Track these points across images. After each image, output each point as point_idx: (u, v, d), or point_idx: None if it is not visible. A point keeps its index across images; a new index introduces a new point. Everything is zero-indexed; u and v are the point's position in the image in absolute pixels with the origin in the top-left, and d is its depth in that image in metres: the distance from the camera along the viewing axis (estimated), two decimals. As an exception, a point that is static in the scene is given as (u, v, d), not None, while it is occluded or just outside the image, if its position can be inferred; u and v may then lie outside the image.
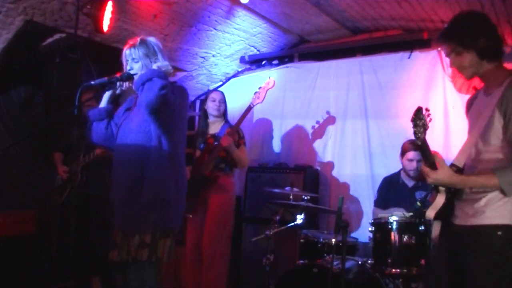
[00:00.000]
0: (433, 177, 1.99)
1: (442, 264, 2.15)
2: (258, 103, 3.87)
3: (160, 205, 2.39)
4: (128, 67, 2.48)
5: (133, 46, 2.46)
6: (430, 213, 2.13)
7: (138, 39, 2.49)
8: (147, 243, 2.34)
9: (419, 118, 1.91)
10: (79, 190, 3.64)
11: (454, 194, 2.09)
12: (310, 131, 4.82)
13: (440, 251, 2.20)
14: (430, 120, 1.94)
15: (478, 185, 1.98)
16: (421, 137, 1.94)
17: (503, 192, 1.91)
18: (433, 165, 2.00)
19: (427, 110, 1.93)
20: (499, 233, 1.93)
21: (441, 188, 2.10)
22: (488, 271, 1.93)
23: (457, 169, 2.08)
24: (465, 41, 1.99)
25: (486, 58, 2.00)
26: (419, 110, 1.92)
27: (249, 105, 3.83)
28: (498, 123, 1.95)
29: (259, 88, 3.91)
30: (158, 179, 2.40)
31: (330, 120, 4.67)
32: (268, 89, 3.87)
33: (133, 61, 2.45)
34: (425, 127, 1.92)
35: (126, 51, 2.48)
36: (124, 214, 2.41)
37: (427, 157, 2.00)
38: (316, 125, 4.74)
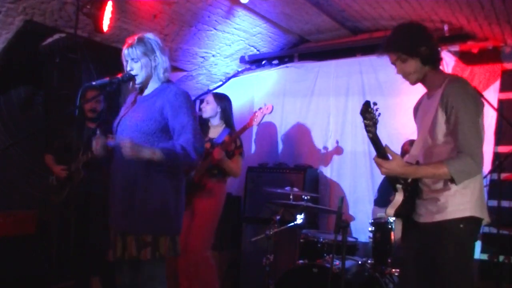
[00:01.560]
0: (386, 166, 2.08)
1: (411, 262, 2.24)
2: (254, 125, 3.85)
3: (158, 209, 2.37)
4: (128, 68, 2.47)
5: (131, 45, 2.44)
6: (390, 211, 2.23)
7: (136, 37, 2.47)
8: (148, 241, 2.35)
9: (368, 112, 1.98)
10: (80, 188, 3.62)
11: (411, 193, 2.20)
12: (310, 131, 4.82)
13: (408, 250, 2.29)
14: (379, 114, 2.01)
15: (429, 173, 2.10)
16: (372, 131, 2.01)
17: (453, 181, 2.02)
18: (384, 157, 2.10)
19: (375, 104, 2.00)
20: (461, 225, 2.07)
21: (399, 186, 2.20)
22: (455, 262, 2.07)
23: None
24: (409, 49, 2.18)
25: (428, 64, 2.19)
26: (367, 104, 1.98)
27: (245, 125, 3.79)
28: (441, 118, 2.11)
29: (259, 109, 3.87)
30: (156, 183, 2.38)
31: (336, 150, 4.66)
32: (265, 114, 3.86)
33: (132, 61, 2.44)
34: (374, 121, 2.00)
35: (124, 51, 2.46)
36: (121, 216, 2.40)
37: (379, 149, 2.10)
38: (323, 151, 4.71)
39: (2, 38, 3.46)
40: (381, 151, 2.09)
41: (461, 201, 2.08)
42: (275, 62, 5.12)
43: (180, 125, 2.40)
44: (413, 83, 2.27)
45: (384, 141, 4.67)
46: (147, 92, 2.53)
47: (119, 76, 2.45)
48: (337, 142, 4.65)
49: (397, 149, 3.90)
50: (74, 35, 3.61)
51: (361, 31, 4.67)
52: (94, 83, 2.44)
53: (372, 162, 4.39)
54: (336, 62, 4.76)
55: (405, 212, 2.21)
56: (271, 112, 3.87)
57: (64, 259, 3.67)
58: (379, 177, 4.14)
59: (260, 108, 3.85)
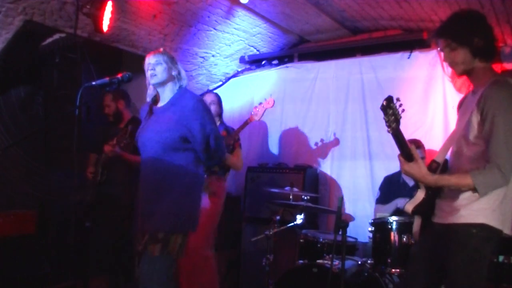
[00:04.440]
0: (405, 168, 2.04)
1: (420, 261, 2.20)
2: (256, 120, 3.88)
3: (179, 214, 2.48)
4: (150, 72, 2.57)
5: (159, 52, 2.59)
6: (409, 207, 2.20)
7: (161, 49, 2.65)
8: (160, 238, 2.43)
9: (390, 107, 1.91)
10: (100, 189, 3.71)
11: (434, 191, 2.14)
12: (310, 131, 4.82)
13: (420, 248, 2.26)
14: (403, 110, 1.95)
15: (451, 184, 2.03)
16: (393, 127, 1.94)
17: (476, 192, 1.95)
18: (409, 157, 2.03)
19: (398, 100, 1.94)
20: (474, 231, 1.98)
21: (421, 184, 2.15)
22: (465, 267, 1.99)
23: (437, 165, 2.15)
24: (460, 38, 2.05)
25: (479, 57, 2.05)
26: (389, 99, 1.92)
27: (246, 120, 3.83)
28: (475, 120, 2.01)
29: (259, 104, 3.90)
30: (180, 190, 2.49)
31: (334, 142, 4.66)
32: (267, 108, 3.89)
33: (157, 63, 2.55)
34: (396, 117, 1.93)
35: (150, 57, 2.60)
36: (147, 217, 2.50)
37: (403, 148, 2.03)
38: (320, 143, 4.73)
39: (2, 38, 3.46)
40: (405, 150, 2.03)
41: (478, 207, 1.99)
42: (275, 62, 5.13)
43: (207, 136, 2.53)
44: (459, 74, 2.15)
45: (383, 140, 4.70)
46: (162, 102, 2.63)
47: (119, 76, 2.50)
48: (337, 142, 4.65)
49: (397, 149, 3.90)
50: (74, 35, 3.61)
51: (361, 31, 4.67)
52: (94, 83, 2.46)
53: (372, 162, 4.41)
54: (336, 62, 4.76)
55: (424, 211, 2.16)
56: (272, 106, 3.90)
57: (64, 259, 3.67)
58: (379, 177, 4.14)
59: (260, 103, 3.87)
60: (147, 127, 2.60)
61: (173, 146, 2.48)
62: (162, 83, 2.59)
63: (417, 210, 2.18)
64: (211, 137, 2.55)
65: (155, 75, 2.55)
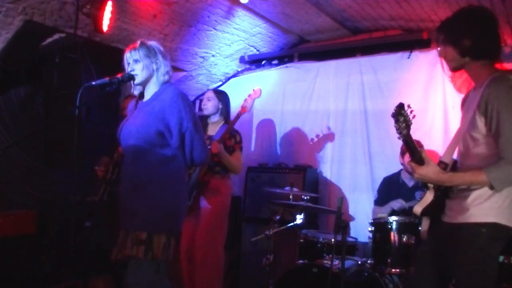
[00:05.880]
0: (419, 172, 2.01)
1: (426, 260, 2.19)
2: (245, 112, 3.86)
3: (159, 210, 2.41)
4: (129, 69, 2.52)
5: (134, 48, 2.51)
6: (417, 208, 2.17)
7: (138, 41, 2.54)
8: (143, 239, 2.37)
9: (401, 114, 1.92)
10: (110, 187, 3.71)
11: (443, 192, 2.12)
12: (309, 131, 4.82)
13: (427, 247, 2.24)
14: (414, 116, 1.95)
15: (465, 181, 2.00)
16: (403, 133, 1.95)
17: (492, 188, 1.93)
18: (420, 161, 2.02)
19: (409, 106, 1.94)
20: (484, 230, 1.96)
21: (430, 185, 2.13)
22: (469, 268, 1.97)
23: (445, 166, 2.13)
24: (450, 37, 2.07)
25: (469, 56, 2.06)
26: (400, 106, 1.93)
27: (238, 114, 3.80)
28: (479, 120, 1.99)
29: (248, 95, 3.90)
30: (157, 184, 2.43)
31: (329, 136, 4.67)
32: (255, 98, 3.90)
33: (134, 62, 2.50)
34: (407, 123, 1.93)
35: (127, 54, 2.53)
36: (127, 216, 2.45)
37: (413, 153, 2.02)
38: (315, 139, 4.74)
39: (2, 38, 3.46)
40: (416, 155, 2.02)
41: (487, 206, 1.97)
42: (275, 62, 5.13)
43: (182, 133, 2.46)
44: (451, 70, 2.18)
45: (383, 140, 4.70)
46: (147, 96, 2.58)
47: (119, 76, 2.48)
48: (337, 142, 4.65)
49: (397, 149, 3.90)
50: (74, 35, 3.61)
51: (361, 31, 4.67)
52: (94, 83, 2.45)
53: (372, 162, 4.41)
54: (336, 62, 4.76)
55: (433, 212, 2.15)
56: (259, 95, 3.93)
57: (64, 259, 3.67)
58: (379, 178, 4.14)
59: (249, 95, 3.89)
60: (128, 121, 2.56)
61: (149, 141, 2.42)
62: (145, 81, 2.54)
63: (426, 211, 2.16)
64: (187, 135, 2.47)
65: (136, 75, 2.49)
